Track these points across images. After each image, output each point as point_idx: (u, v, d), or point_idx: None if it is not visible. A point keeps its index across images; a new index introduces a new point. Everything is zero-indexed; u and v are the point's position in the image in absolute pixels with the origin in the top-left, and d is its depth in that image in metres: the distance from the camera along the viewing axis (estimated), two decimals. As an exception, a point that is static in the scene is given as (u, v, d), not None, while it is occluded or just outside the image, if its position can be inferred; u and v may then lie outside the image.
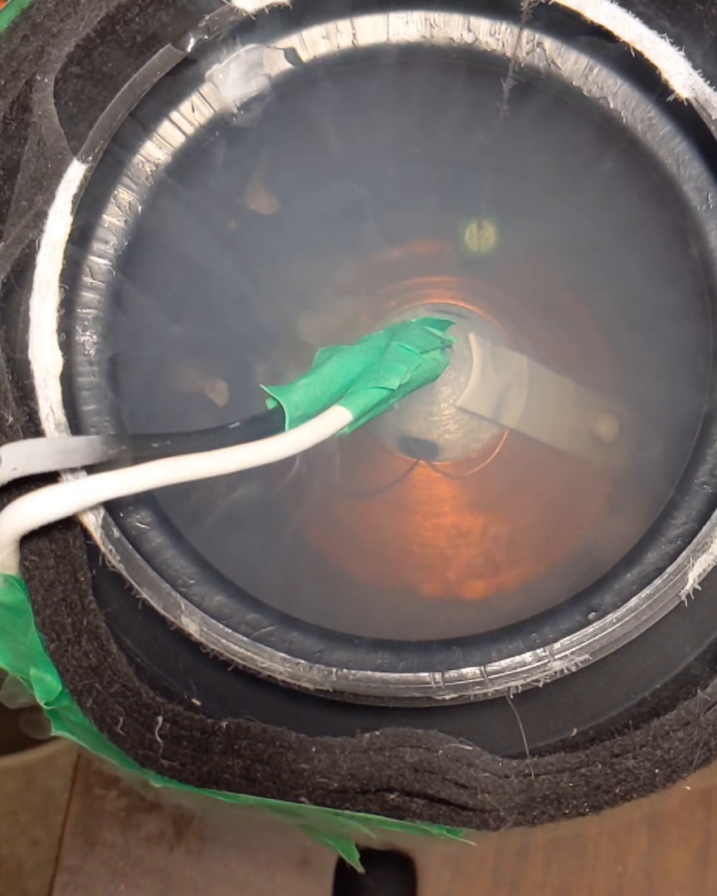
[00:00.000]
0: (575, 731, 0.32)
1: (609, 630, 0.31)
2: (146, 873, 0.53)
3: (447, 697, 0.31)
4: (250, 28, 0.35)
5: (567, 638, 0.31)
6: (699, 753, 0.30)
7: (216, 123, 0.36)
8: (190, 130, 0.36)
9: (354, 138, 0.41)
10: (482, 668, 0.31)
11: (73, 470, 0.31)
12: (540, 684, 0.31)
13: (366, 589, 0.46)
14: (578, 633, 0.31)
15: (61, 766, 0.94)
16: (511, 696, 0.31)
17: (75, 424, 0.33)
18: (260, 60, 0.36)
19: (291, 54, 0.36)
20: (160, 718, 0.30)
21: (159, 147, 0.36)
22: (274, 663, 0.31)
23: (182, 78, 0.35)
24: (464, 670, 0.31)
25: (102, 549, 0.31)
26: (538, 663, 0.31)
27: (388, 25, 0.36)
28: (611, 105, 0.35)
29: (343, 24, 0.36)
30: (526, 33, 0.35)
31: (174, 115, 0.36)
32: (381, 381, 0.35)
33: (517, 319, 0.49)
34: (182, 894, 0.53)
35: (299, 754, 0.30)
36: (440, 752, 0.30)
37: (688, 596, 0.31)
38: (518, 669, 0.31)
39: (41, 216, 0.32)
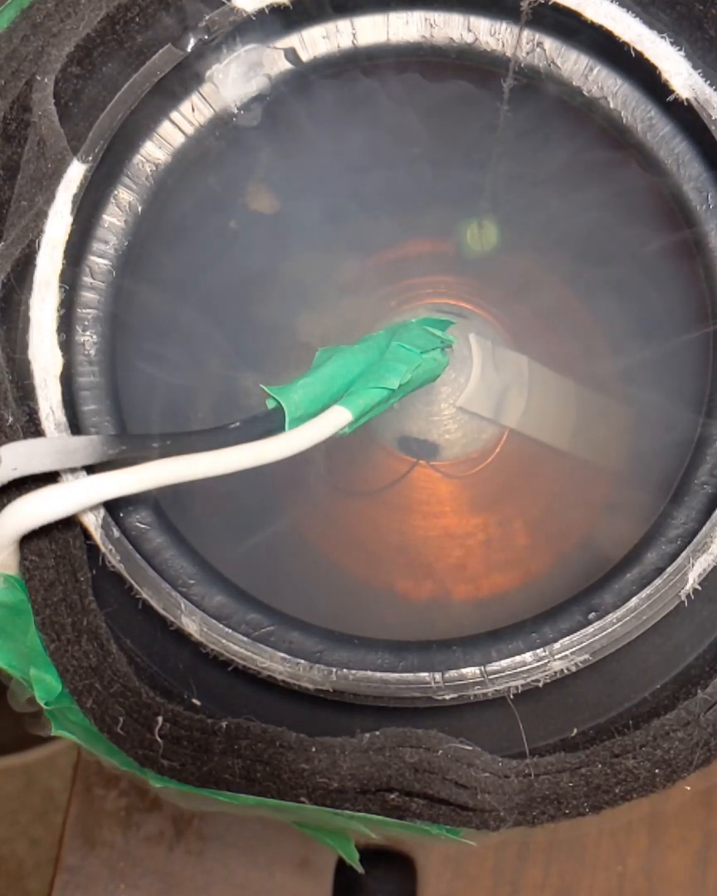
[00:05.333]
0: (575, 731, 0.32)
1: (609, 630, 0.31)
2: (146, 873, 0.53)
3: (447, 697, 0.31)
4: (250, 28, 0.35)
5: (567, 638, 0.31)
6: (699, 753, 0.30)
7: (216, 123, 0.36)
8: (190, 130, 0.36)
9: (355, 138, 0.41)
10: (482, 668, 0.31)
11: (73, 470, 0.31)
12: (540, 684, 0.31)
13: (366, 589, 0.46)
14: (578, 633, 0.31)
15: (61, 766, 0.94)
16: (511, 696, 0.31)
17: (75, 424, 0.33)
18: (260, 60, 0.36)
19: (291, 54, 0.36)
20: (160, 718, 0.30)
21: (159, 147, 0.36)
22: (274, 663, 0.31)
23: (182, 78, 0.35)
24: (464, 670, 0.31)
25: (102, 549, 0.31)
26: (538, 663, 0.31)
27: (388, 25, 0.36)
28: (611, 105, 0.35)
29: (343, 24, 0.36)
30: (526, 33, 0.35)
31: (174, 115, 0.36)
32: (381, 381, 0.35)
33: (518, 319, 0.49)
34: (182, 894, 0.53)
35: (299, 754, 0.30)
36: (440, 752, 0.30)
37: (688, 596, 0.31)
38: (518, 669, 0.31)
39: (41, 216, 0.32)
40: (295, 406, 0.33)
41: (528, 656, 0.31)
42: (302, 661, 0.31)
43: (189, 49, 0.34)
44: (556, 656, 0.31)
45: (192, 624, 0.31)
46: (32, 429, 0.32)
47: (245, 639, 0.31)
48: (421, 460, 0.48)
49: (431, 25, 0.36)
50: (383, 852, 0.53)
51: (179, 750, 0.30)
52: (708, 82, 0.33)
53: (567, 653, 0.31)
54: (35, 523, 0.29)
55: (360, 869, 0.35)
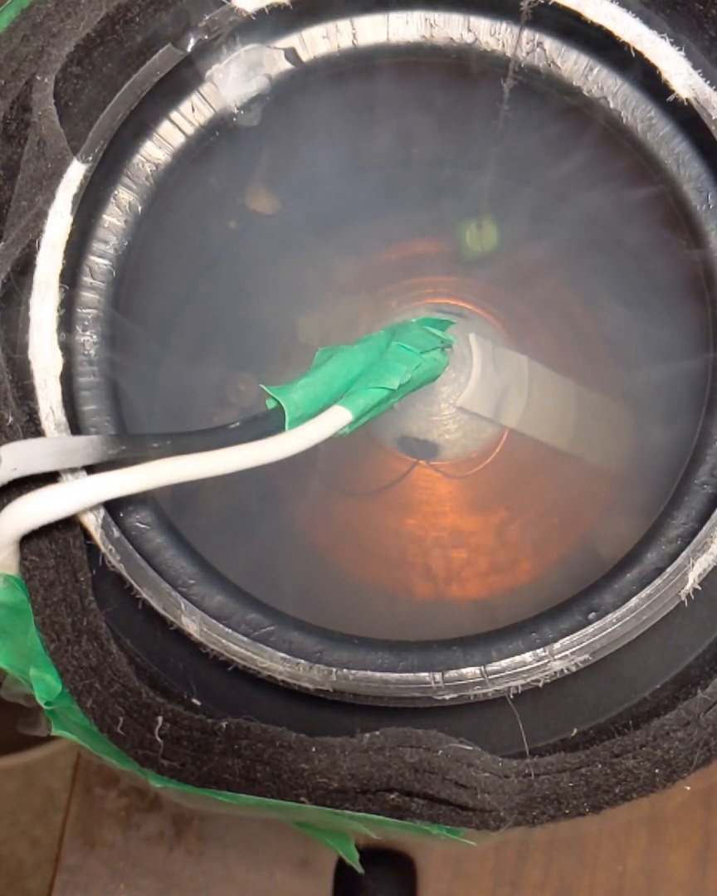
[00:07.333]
0: (575, 731, 0.32)
1: (609, 630, 0.31)
2: (146, 873, 0.53)
3: (447, 697, 0.31)
4: (250, 28, 0.35)
5: (567, 638, 0.31)
6: (699, 753, 0.30)
7: (216, 123, 0.36)
8: (190, 130, 0.36)
9: (355, 138, 0.41)
10: (482, 668, 0.31)
11: (73, 470, 0.31)
12: (540, 684, 0.31)
13: (366, 589, 0.47)
14: (578, 633, 0.31)
15: (61, 766, 0.94)
16: (511, 696, 0.31)
17: (75, 424, 0.33)
18: (260, 60, 0.36)
19: (291, 54, 0.36)
20: (160, 718, 0.30)
21: (159, 147, 0.36)
22: (274, 663, 0.31)
23: (182, 78, 0.35)
24: (464, 670, 0.31)
25: (102, 549, 0.31)
26: (538, 663, 0.31)
27: (388, 25, 0.36)
28: (611, 105, 0.35)
29: (343, 24, 0.36)
30: (526, 33, 0.35)
31: (174, 115, 0.36)
32: (381, 381, 0.35)
33: (518, 319, 0.49)
34: (182, 894, 0.53)
35: (299, 754, 0.30)
36: (440, 752, 0.30)
37: (688, 596, 0.31)
38: (518, 669, 0.31)
39: (41, 216, 0.32)
40: (295, 406, 0.33)
41: (528, 656, 0.31)
42: (302, 661, 0.31)
43: (189, 49, 0.34)
44: (556, 656, 0.31)
45: (192, 624, 0.31)
46: (32, 429, 0.32)
47: (245, 639, 0.31)
48: (421, 460, 0.48)
49: (431, 25, 0.36)
50: (383, 852, 0.53)
51: (179, 750, 0.30)
52: (708, 82, 0.33)
53: (567, 653, 0.31)
54: (35, 523, 0.29)
55: (360, 869, 0.35)
